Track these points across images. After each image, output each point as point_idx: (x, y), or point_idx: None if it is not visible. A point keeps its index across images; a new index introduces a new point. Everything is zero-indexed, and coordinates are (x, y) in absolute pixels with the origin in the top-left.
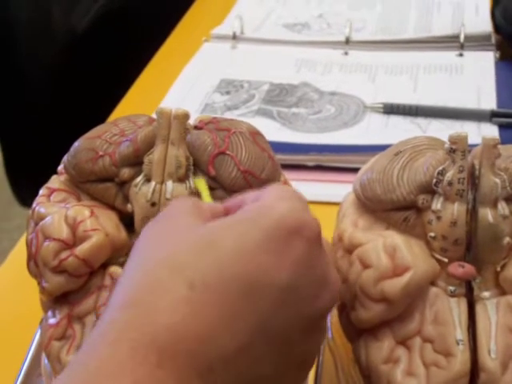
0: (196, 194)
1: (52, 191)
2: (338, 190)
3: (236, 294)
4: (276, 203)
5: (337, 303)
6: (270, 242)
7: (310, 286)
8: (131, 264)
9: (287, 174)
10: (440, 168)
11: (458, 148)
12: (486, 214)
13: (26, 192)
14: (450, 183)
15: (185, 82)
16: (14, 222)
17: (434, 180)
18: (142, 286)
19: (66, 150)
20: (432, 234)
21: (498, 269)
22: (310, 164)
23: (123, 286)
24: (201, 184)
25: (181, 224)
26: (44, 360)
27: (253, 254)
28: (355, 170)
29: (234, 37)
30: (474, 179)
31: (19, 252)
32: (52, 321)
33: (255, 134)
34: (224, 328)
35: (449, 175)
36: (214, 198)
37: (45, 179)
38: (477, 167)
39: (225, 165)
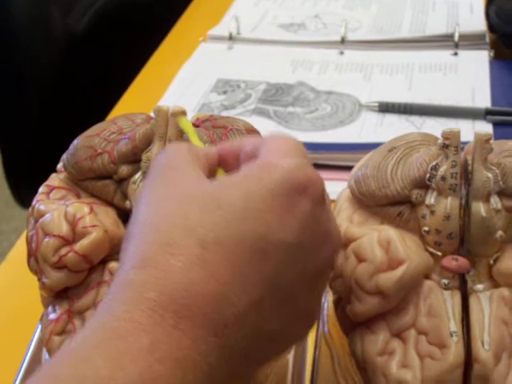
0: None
1: (51, 189)
2: (334, 187)
3: (246, 251)
4: (281, 160)
5: (333, 297)
6: (276, 199)
7: (313, 241)
8: (140, 218)
9: None
10: (433, 163)
11: (450, 143)
12: (479, 208)
13: (25, 194)
14: (443, 178)
15: (182, 82)
16: (12, 224)
17: (428, 175)
18: (157, 247)
19: (64, 150)
20: (426, 228)
21: (491, 262)
22: None
23: (136, 245)
24: (186, 123)
25: (185, 176)
26: (45, 355)
27: (259, 212)
28: (351, 168)
29: (231, 37)
30: (466, 174)
31: (18, 250)
32: (52, 316)
33: (252, 132)
34: (236, 286)
35: (442, 170)
36: None
37: (44, 180)
38: (470, 162)
39: None
